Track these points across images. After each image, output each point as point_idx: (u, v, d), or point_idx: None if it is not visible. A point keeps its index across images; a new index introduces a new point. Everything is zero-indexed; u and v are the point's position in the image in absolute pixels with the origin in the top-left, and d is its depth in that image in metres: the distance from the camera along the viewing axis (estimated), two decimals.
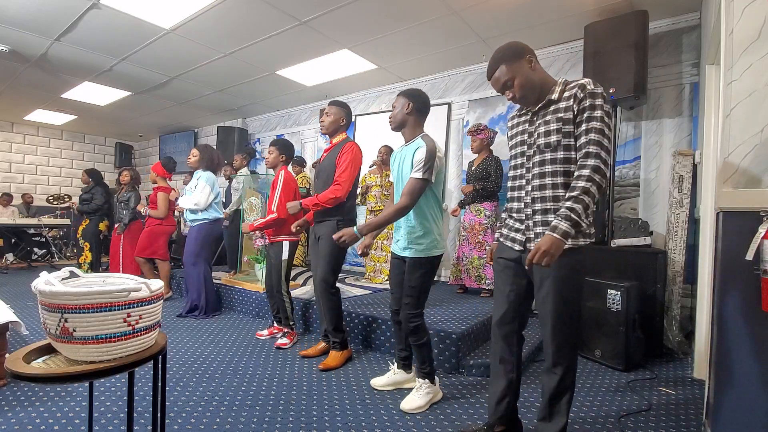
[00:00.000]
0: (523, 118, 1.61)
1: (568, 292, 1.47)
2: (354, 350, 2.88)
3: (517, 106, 1.66)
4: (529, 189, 1.54)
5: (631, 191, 3.52)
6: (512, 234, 1.62)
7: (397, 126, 2.12)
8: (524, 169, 1.57)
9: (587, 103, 1.40)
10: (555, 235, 1.34)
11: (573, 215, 1.34)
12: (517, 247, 1.58)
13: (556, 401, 1.52)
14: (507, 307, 1.63)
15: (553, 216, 1.44)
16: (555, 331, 1.48)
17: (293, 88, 5.37)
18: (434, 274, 2.09)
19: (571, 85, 1.46)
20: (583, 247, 1.47)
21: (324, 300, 2.56)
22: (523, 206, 1.57)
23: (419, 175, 1.94)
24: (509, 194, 1.66)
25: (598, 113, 1.39)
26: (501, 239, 1.69)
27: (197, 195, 3.68)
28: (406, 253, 2.06)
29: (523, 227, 1.57)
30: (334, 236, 2.07)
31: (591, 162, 1.37)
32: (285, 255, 2.97)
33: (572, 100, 1.43)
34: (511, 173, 1.66)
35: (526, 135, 1.57)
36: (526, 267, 1.42)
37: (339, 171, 2.49)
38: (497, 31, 3.66)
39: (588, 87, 1.41)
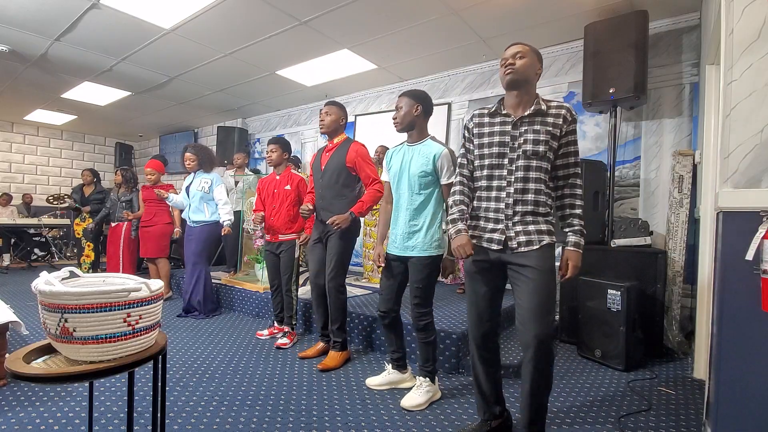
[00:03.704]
0: (498, 120, 1.63)
1: (550, 285, 1.57)
2: (354, 350, 2.88)
3: (480, 107, 1.73)
4: (511, 191, 1.59)
5: (631, 191, 3.52)
6: (487, 234, 1.64)
7: (405, 128, 2.13)
8: (505, 171, 1.60)
9: (573, 128, 1.59)
10: (580, 251, 1.58)
11: (584, 231, 1.61)
12: (495, 247, 1.61)
13: (539, 394, 1.57)
14: (485, 306, 1.70)
15: (531, 217, 1.58)
16: (540, 324, 1.52)
17: (293, 88, 5.37)
18: (439, 271, 2.11)
19: (555, 104, 1.60)
20: (554, 243, 1.62)
21: (333, 298, 2.56)
22: (503, 206, 1.61)
23: (452, 179, 1.97)
24: (483, 194, 1.66)
25: (576, 139, 1.62)
26: (473, 241, 1.68)
27: (223, 198, 3.73)
28: (411, 253, 2.06)
29: (500, 227, 1.60)
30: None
31: (579, 182, 1.62)
32: (297, 253, 3.01)
33: (561, 119, 1.56)
34: (485, 173, 1.64)
35: (508, 138, 1.60)
36: (568, 277, 1.60)
37: (367, 171, 2.52)
38: (497, 31, 3.66)
39: (573, 112, 1.60)
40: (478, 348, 1.73)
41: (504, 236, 1.59)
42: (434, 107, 5.14)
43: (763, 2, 1.43)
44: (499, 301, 1.73)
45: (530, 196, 1.57)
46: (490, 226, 1.63)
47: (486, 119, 1.67)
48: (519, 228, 1.57)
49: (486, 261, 1.65)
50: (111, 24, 3.65)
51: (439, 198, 2.08)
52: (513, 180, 1.58)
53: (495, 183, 1.63)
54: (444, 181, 2.04)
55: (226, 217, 3.70)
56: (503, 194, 1.60)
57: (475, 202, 1.71)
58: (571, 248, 1.58)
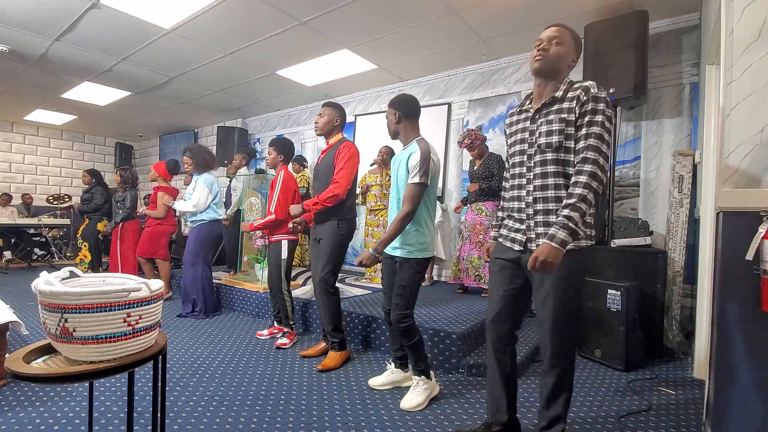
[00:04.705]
0: (523, 116, 1.59)
1: (568, 292, 1.47)
2: (353, 350, 2.88)
3: (514, 105, 1.66)
4: (531, 189, 1.53)
5: (631, 191, 3.52)
6: (512, 234, 1.60)
7: (393, 136, 2.20)
8: (525, 168, 1.55)
9: (589, 107, 1.39)
10: (553, 244, 1.34)
11: (570, 224, 1.34)
12: (517, 247, 1.57)
13: (554, 402, 1.52)
14: (502, 306, 1.63)
15: (554, 216, 1.45)
16: (554, 331, 1.48)
17: (293, 88, 5.37)
18: (423, 275, 2.13)
19: (575, 86, 1.46)
20: (585, 248, 1.47)
21: (323, 299, 2.56)
22: (524, 206, 1.55)
23: (416, 179, 1.98)
24: (509, 194, 1.65)
25: (599, 118, 1.39)
26: (500, 239, 1.68)
27: (195, 197, 3.71)
28: (397, 253, 2.09)
29: (523, 227, 1.56)
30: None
31: (588, 168, 1.36)
32: (284, 254, 2.97)
33: (575, 101, 1.42)
34: (510, 172, 1.64)
35: (527, 134, 1.54)
36: (529, 269, 1.39)
37: (336, 170, 2.50)
38: (497, 31, 3.66)
39: (591, 90, 1.41)
40: (495, 350, 1.66)
41: (525, 237, 1.53)
42: (434, 107, 5.12)
43: (763, 2, 1.43)
44: (519, 302, 1.64)
45: (551, 193, 1.47)
46: (516, 225, 1.59)
47: (515, 117, 1.64)
48: (541, 229, 1.49)
49: (508, 260, 1.61)
50: (111, 24, 3.65)
51: (427, 201, 2.06)
52: (532, 177, 1.51)
53: (517, 181, 1.58)
54: (408, 180, 2.01)
55: (182, 205, 3.78)
56: (524, 192, 1.55)
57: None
58: (543, 240, 1.37)
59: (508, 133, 1.67)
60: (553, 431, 1.52)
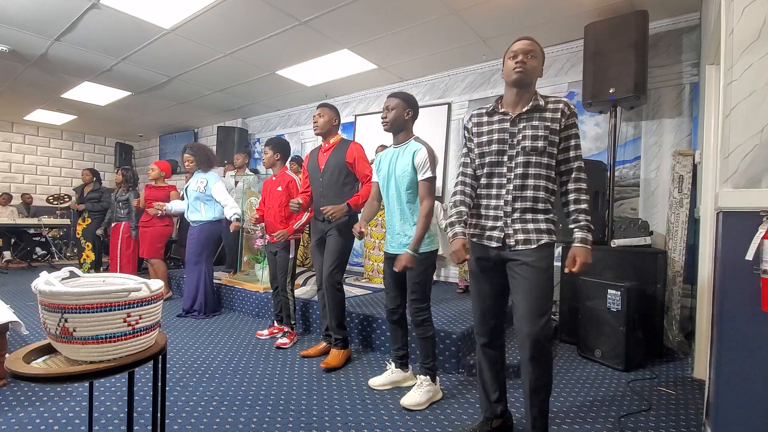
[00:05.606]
0: (497, 118, 1.65)
1: (547, 284, 1.56)
2: (353, 350, 2.88)
3: (479, 107, 1.74)
4: (510, 188, 1.59)
5: (631, 191, 3.52)
6: (487, 233, 1.65)
7: (395, 129, 2.17)
8: (505, 168, 1.61)
9: (572, 121, 1.58)
10: (588, 246, 1.53)
11: (591, 226, 1.56)
12: (494, 244, 1.62)
13: (537, 397, 1.56)
14: (489, 305, 1.70)
15: (530, 215, 1.57)
16: (534, 324, 1.52)
17: (293, 88, 5.37)
18: (434, 267, 2.17)
19: (553, 99, 1.60)
20: (554, 242, 1.60)
21: (330, 295, 2.57)
22: (502, 204, 1.61)
23: (429, 174, 2.04)
24: (484, 191, 1.68)
25: (578, 132, 1.61)
26: (474, 240, 1.70)
27: (222, 197, 3.67)
28: (407, 249, 2.08)
29: (499, 224, 1.61)
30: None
31: (583, 176, 1.58)
32: (292, 253, 3.00)
33: (560, 113, 1.56)
34: (486, 170, 1.66)
35: (507, 135, 1.60)
36: (573, 271, 1.55)
37: (365, 169, 2.57)
38: (497, 31, 3.66)
39: (571, 106, 1.59)
40: (483, 346, 1.74)
41: (503, 234, 1.60)
42: (434, 107, 5.14)
43: (763, 2, 1.43)
44: (504, 299, 1.72)
45: (529, 193, 1.57)
46: (490, 223, 1.64)
47: (485, 118, 1.69)
48: (518, 226, 1.57)
49: (488, 259, 1.66)
50: (111, 24, 3.65)
51: None
52: (512, 177, 1.59)
53: (495, 180, 1.64)
54: (420, 177, 2.07)
55: (230, 212, 3.64)
56: (503, 191, 1.61)
57: (477, 200, 1.72)
58: (578, 244, 1.54)
59: (475, 132, 1.70)
60: (541, 420, 1.58)
